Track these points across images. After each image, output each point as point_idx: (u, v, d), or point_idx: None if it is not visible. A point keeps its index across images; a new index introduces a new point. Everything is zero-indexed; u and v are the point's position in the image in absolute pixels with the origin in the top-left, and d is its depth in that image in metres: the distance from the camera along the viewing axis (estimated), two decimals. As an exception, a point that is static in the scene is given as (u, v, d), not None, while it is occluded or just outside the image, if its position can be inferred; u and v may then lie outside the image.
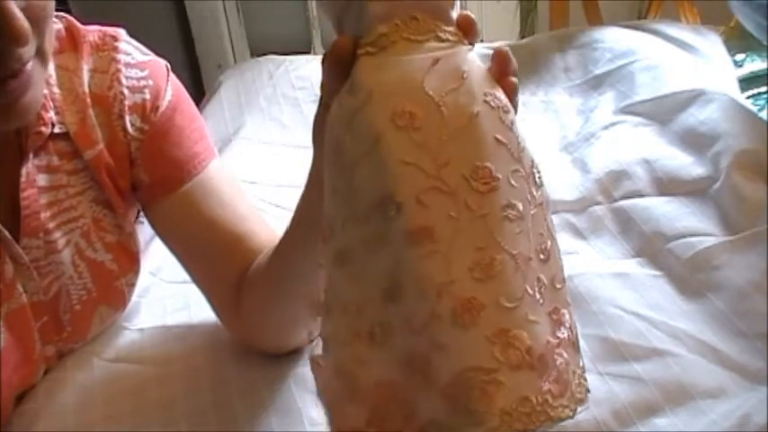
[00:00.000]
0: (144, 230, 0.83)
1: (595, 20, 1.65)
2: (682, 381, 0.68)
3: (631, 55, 1.13)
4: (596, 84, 1.14)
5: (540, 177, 0.46)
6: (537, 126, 1.12)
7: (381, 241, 0.43)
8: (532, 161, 0.46)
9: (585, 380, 0.46)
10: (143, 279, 0.87)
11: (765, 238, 0.78)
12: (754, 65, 1.15)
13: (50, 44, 0.59)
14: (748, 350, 0.70)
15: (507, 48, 0.48)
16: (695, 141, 0.94)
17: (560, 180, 0.98)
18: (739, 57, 1.16)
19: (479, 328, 0.41)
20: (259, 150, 1.15)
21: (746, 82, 1.10)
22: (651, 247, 0.84)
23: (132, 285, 0.77)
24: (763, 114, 1.02)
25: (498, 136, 0.43)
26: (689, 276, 0.79)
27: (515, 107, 0.47)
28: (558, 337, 0.44)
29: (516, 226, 0.43)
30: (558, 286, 0.46)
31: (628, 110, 1.05)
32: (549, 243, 0.46)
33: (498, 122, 0.44)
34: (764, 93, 1.09)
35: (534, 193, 0.45)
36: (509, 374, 0.41)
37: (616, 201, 0.92)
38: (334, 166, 0.45)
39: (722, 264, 0.78)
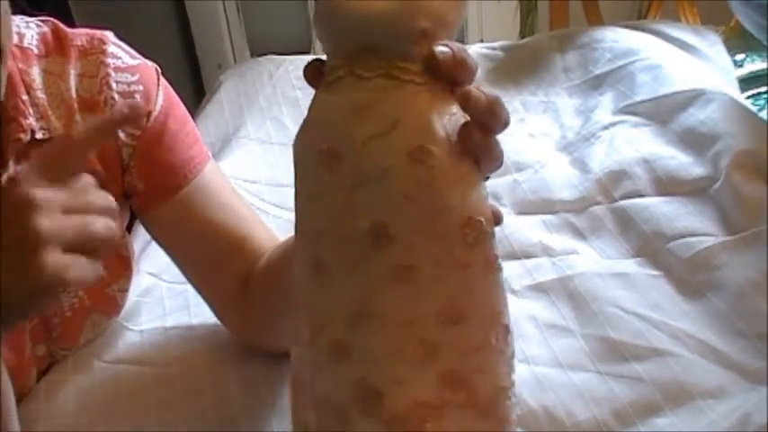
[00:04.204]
0: (143, 231, 0.83)
1: (595, 20, 1.65)
2: (682, 381, 0.68)
3: (631, 55, 1.13)
4: (596, 84, 1.14)
5: (476, 237, 0.43)
6: (537, 126, 1.12)
7: (360, 266, 0.43)
8: (469, 219, 0.43)
9: None
10: (143, 280, 0.87)
11: (765, 238, 0.78)
12: (754, 65, 1.15)
13: (8, 41, 0.57)
14: (748, 350, 0.70)
15: (470, 90, 0.42)
16: (695, 141, 0.94)
17: (560, 180, 0.98)
18: (739, 57, 1.16)
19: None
20: (259, 150, 1.15)
21: (746, 82, 1.10)
22: (651, 247, 0.84)
23: (125, 291, 0.76)
24: (763, 114, 1.02)
25: (410, 193, 0.42)
26: (689, 276, 0.79)
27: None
28: (444, 399, 0.44)
29: (404, 287, 0.43)
30: (469, 351, 0.44)
31: (628, 110, 1.05)
32: (466, 305, 0.44)
33: (414, 180, 0.42)
34: (764, 93, 1.09)
35: (457, 253, 0.43)
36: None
37: (616, 201, 0.92)
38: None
39: (722, 264, 0.78)
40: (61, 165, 0.50)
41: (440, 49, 0.42)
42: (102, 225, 0.49)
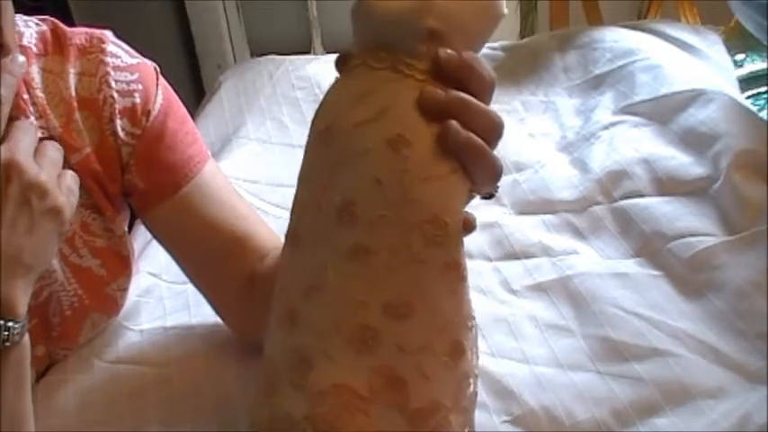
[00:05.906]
0: (143, 231, 0.83)
1: (595, 20, 1.65)
2: (682, 381, 0.68)
3: (631, 55, 1.13)
4: (596, 84, 1.14)
5: (437, 236, 0.43)
6: (537, 126, 1.12)
7: (324, 240, 0.45)
8: (434, 217, 0.43)
9: None
10: (143, 280, 0.87)
11: (765, 238, 0.78)
12: (754, 65, 1.14)
13: (12, 39, 0.58)
14: (748, 350, 0.70)
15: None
16: (695, 141, 0.94)
17: (560, 180, 0.98)
18: (739, 57, 1.16)
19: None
20: (259, 150, 1.15)
21: (746, 82, 1.10)
22: (651, 247, 0.84)
23: (124, 290, 0.76)
24: (763, 114, 1.01)
25: (381, 177, 0.43)
26: (689, 276, 0.79)
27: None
28: (374, 392, 0.44)
29: (358, 267, 0.44)
30: (410, 350, 0.44)
31: (628, 110, 1.05)
32: (415, 303, 0.44)
33: (387, 166, 0.43)
34: (764, 93, 1.09)
35: (415, 248, 0.43)
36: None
37: (616, 201, 0.92)
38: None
39: (722, 264, 0.78)
40: None
41: (445, 50, 0.43)
42: (54, 149, 0.61)
